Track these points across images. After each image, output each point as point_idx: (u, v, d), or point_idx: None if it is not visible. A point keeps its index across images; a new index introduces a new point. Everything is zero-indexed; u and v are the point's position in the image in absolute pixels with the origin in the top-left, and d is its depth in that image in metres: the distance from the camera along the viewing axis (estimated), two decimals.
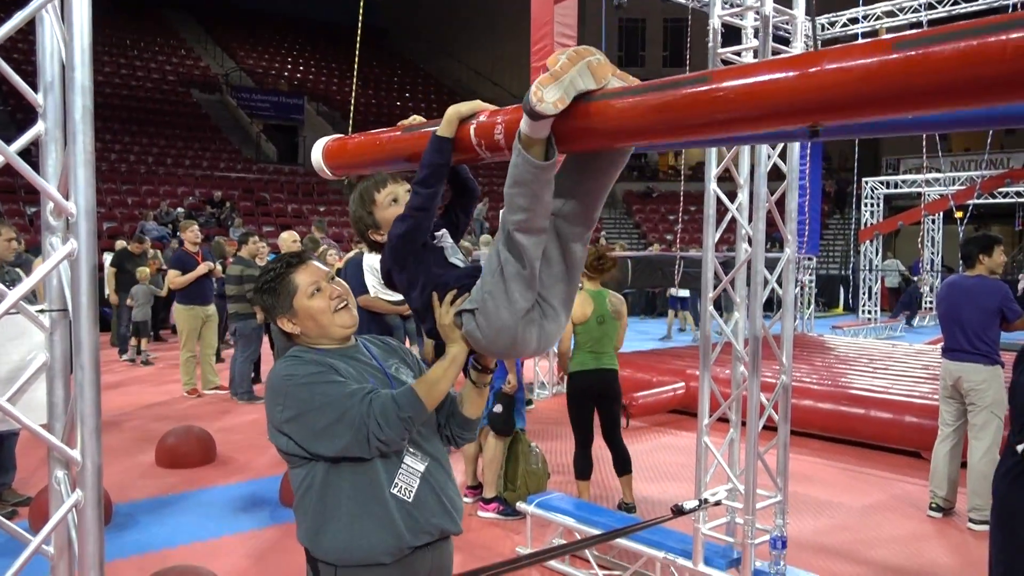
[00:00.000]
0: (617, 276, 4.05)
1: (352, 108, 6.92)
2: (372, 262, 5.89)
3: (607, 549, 4.10)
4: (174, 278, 8.39)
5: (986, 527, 3.42)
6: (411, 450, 1.92)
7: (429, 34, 34.59)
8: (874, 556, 4.41)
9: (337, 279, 1.99)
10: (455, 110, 1.91)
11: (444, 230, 2.03)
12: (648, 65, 30.26)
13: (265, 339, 8.48)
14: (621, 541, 3.84)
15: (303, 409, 1.82)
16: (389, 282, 2.03)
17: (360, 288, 5.79)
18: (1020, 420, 2.67)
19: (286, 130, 27.48)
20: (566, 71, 1.61)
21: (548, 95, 1.60)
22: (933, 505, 5.09)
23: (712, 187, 3.58)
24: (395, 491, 1.89)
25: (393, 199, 2.02)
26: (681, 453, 6.47)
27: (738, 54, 3.56)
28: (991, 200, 15.03)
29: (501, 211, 1.82)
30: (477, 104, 1.95)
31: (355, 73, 6.46)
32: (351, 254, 6.51)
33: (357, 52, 6.40)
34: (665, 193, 27.23)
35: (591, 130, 1.67)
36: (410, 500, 1.90)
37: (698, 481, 3.65)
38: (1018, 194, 15.04)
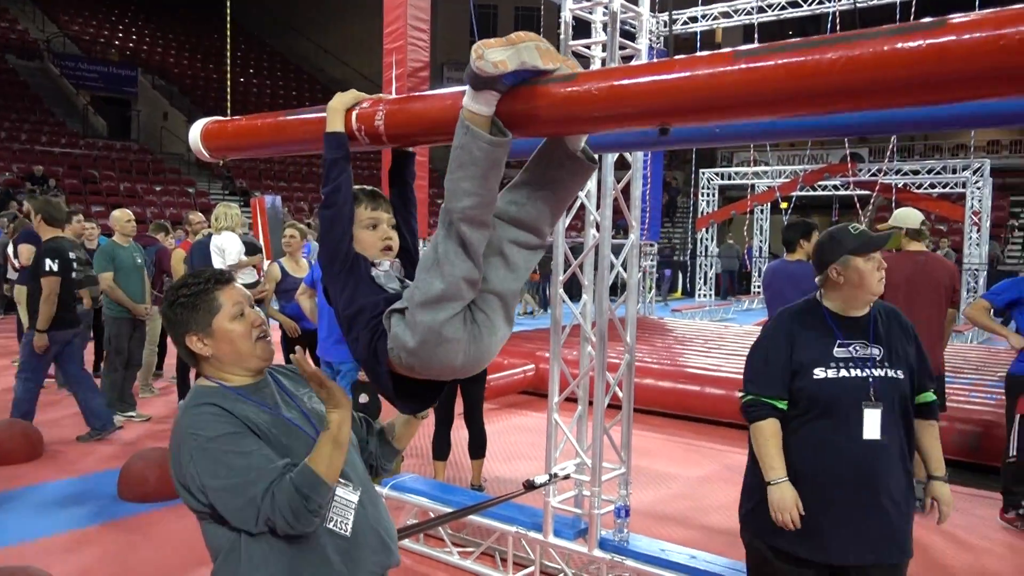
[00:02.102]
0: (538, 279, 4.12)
1: (229, 93, 6.61)
2: (220, 243, 5.68)
3: (461, 527, 4.19)
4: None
5: None
6: (342, 480, 1.75)
7: (275, 9, 33.30)
8: (708, 521, 4.75)
9: (256, 308, 1.85)
10: (338, 101, 1.88)
11: (394, 260, 1.91)
12: None
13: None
14: (474, 518, 3.94)
15: (207, 482, 1.63)
16: (326, 293, 1.91)
17: None
18: None
19: (118, 103, 25.71)
20: (512, 44, 1.60)
21: (489, 55, 1.56)
22: None
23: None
24: (331, 526, 1.72)
25: (373, 224, 1.88)
26: (531, 433, 6.67)
27: (588, 47, 3.71)
28: (812, 192, 16.33)
29: (441, 204, 1.69)
30: (358, 94, 1.92)
31: (228, 56, 6.16)
32: (198, 237, 6.24)
33: (229, 35, 6.11)
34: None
35: (532, 116, 1.66)
36: (348, 535, 1.74)
37: (548, 456, 3.80)
38: (835, 187, 16.41)
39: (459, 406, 4.99)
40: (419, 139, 1.93)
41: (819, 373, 2.42)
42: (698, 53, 1.62)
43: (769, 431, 2.49)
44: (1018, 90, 1.34)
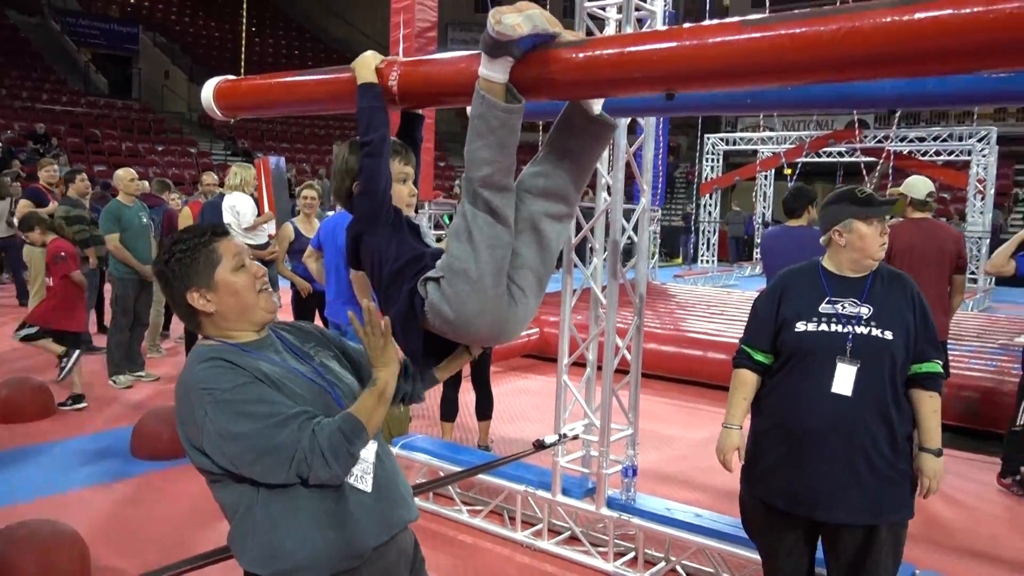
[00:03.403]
0: None
1: (244, 52, 6.56)
2: (231, 202, 5.68)
3: (469, 486, 4.27)
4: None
5: None
6: None
7: None
8: (711, 482, 4.83)
9: (254, 261, 1.78)
10: (365, 56, 1.92)
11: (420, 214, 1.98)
12: None
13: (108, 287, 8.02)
14: (483, 477, 4.02)
15: (227, 434, 1.55)
16: (355, 253, 1.90)
17: None
18: None
19: (119, 60, 25.52)
20: (522, 10, 1.64)
21: (506, 19, 1.61)
22: None
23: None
24: (352, 481, 1.68)
25: (404, 178, 1.93)
26: (535, 395, 6.74)
27: (603, 8, 3.69)
28: (816, 159, 16.23)
29: (463, 176, 1.81)
30: (379, 55, 1.96)
31: (244, 15, 6.11)
32: (210, 198, 6.24)
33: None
34: (521, 144, 27.48)
35: (547, 80, 1.71)
36: (369, 491, 1.71)
37: (558, 417, 3.86)
38: (839, 154, 16.33)
39: (466, 369, 5.04)
40: (431, 101, 1.98)
41: (800, 326, 2.47)
42: (705, 22, 1.65)
43: (740, 379, 2.59)
44: (1010, 63, 1.37)
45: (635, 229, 3.84)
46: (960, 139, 14.71)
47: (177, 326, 8.66)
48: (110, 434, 5.34)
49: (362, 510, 1.69)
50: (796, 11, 1.51)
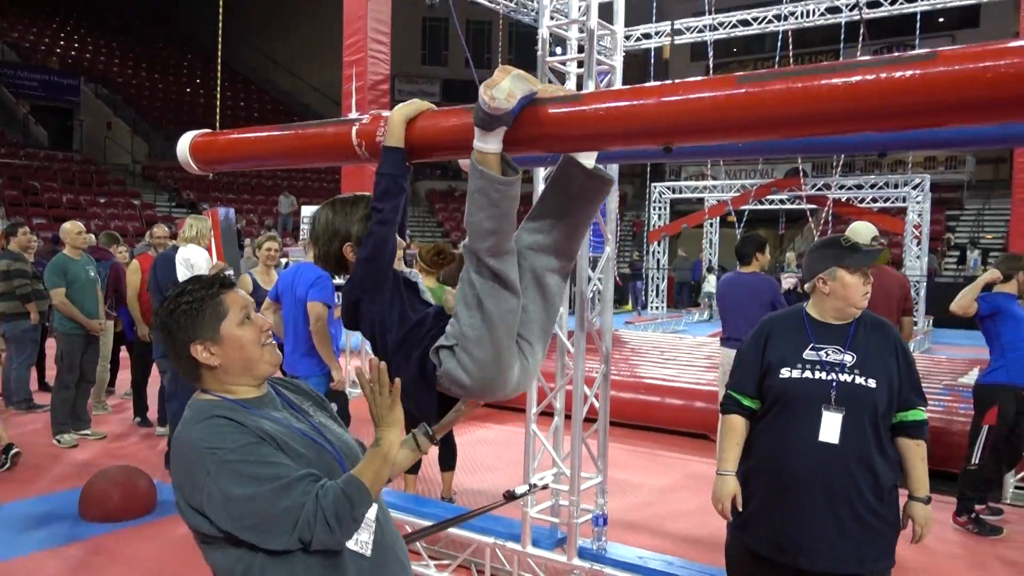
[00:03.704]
0: (455, 272, 4.16)
1: (218, 109, 6.52)
2: (186, 255, 5.59)
3: (435, 540, 4.19)
4: None
5: None
6: None
7: (223, 19, 32.88)
8: (673, 528, 4.83)
9: (258, 313, 1.75)
10: (401, 115, 1.87)
11: (415, 271, 1.96)
12: (451, 64, 30.67)
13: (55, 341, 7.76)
14: (451, 531, 3.95)
15: (231, 496, 1.50)
16: (354, 319, 1.88)
17: (172, 284, 5.48)
18: None
19: (59, 112, 25.05)
20: (503, 77, 1.68)
21: (498, 93, 1.65)
22: None
23: (541, 188, 3.78)
24: (352, 546, 1.63)
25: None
26: (494, 445, 6.69)
27: (563, 63, 3.78)
28: (760, 206, 16.72)
29: (463, 243, 1.76)
30: (420, 105, 1.92)
31: (218, 71, 6.09)
32: (162, 251, 6.12)
33: (220, 48, 6.05)
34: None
35: (544, 137, 1.76)
36: (369, 556, 1.66)
37: (527, 467, 3.84)
38: (781, 201, 16.84)
39: None
40: (420, 156, 1.97)
41: (785, 372, 2.49)
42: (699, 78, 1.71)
43: (730, 425, 2.61)
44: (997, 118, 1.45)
45: (600, 278, 3.89)
46: (896, 186, 15.32)
47: (123, 382, 8.41)
48: (56, 496, 5.12)
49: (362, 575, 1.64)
50: (789, 68, 1.58)
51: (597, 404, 3.88)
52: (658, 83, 1.66)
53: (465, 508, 4.60)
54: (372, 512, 1.68)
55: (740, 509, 2.54)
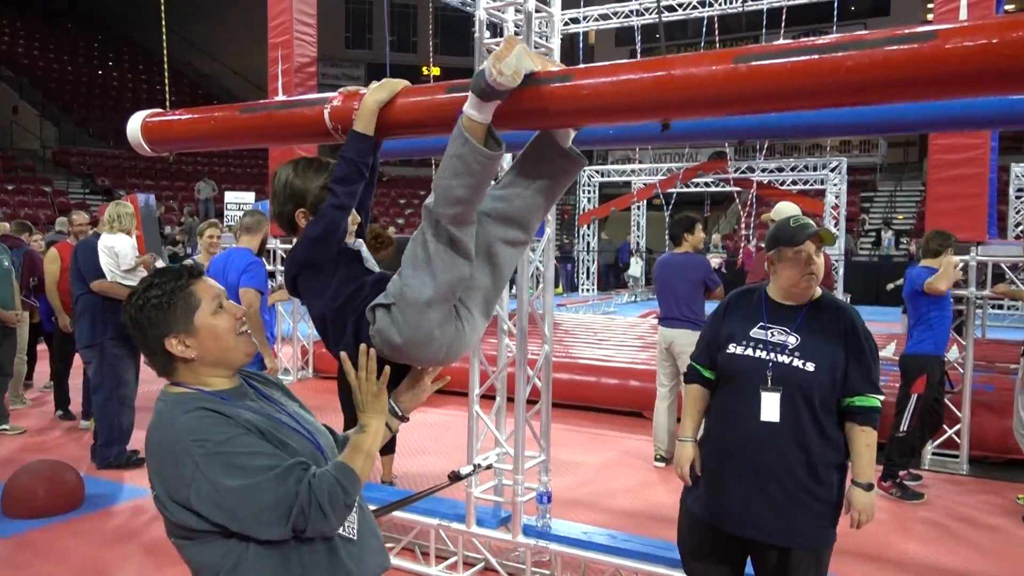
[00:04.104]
0: (392, 256, 4.13)
1: (167, 87, 6.23)
2: (109, 243, 5.39)
3: (379, 524, 4.17)
4: None
5: None
6: None
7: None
8: (613, 504, 4.93)
9: (230, 300, 1.69)
10: (374, 101, 1.84)
11: (359, 239, 1.91)
12: (375, 48, 30.22)
13: None
14: (395, 514, 3.93)
15: (224, 488, 1.46)
16: (293, 287, 1.86)
17: (95, 272, 5.30)
18: None
19: None
20: (510, 50, 1.67)
21: (506, 68, 1.64)
22: (657, 456, 5.77)
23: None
24: (342, 531, 1.63)
25: None
26: (433, 428, 6.69)
27: (499, 45, 3.77)
28: (684, 189, 17.05)
29: (426, 201, 1.72)
30: (394, 86, 1.89)
31: (165, 50, 5.83)
32: (86, 237, 5.88)
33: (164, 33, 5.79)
34: (395, 177, 27.45)
35: (537, 112, 1.76)
36: (355, 539, 1.66)
37: (470, 447, 3.85)
38: (706, 184, 17.21)
39: None
40: (393, 134, 1.97)
41: (731, 348, 2.55)
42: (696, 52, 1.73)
43: (690, 394, 2.73)
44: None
45: (540, 260, 3.91)
46: (815, 169, 15.82)
47: (40, 375, 8.08)
48: None
49: (352, 560, 1.65)
50: (788, 42, 1.61)
51: (539, 384, 3.92)
52: (653, 58, 1.66)
53: (407, 491, 4.59)
54: None
55: (699, 473, 2.61)
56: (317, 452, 1.64)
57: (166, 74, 6.23)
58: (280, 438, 1.58)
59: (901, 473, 5.18)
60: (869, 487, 2.49)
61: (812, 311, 2.51)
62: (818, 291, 2.54)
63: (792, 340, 2.48)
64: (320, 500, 1.49)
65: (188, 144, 2.37)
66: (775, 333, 2.51)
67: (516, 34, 3.78)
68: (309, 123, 2.03)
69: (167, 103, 3.63)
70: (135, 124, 2.33)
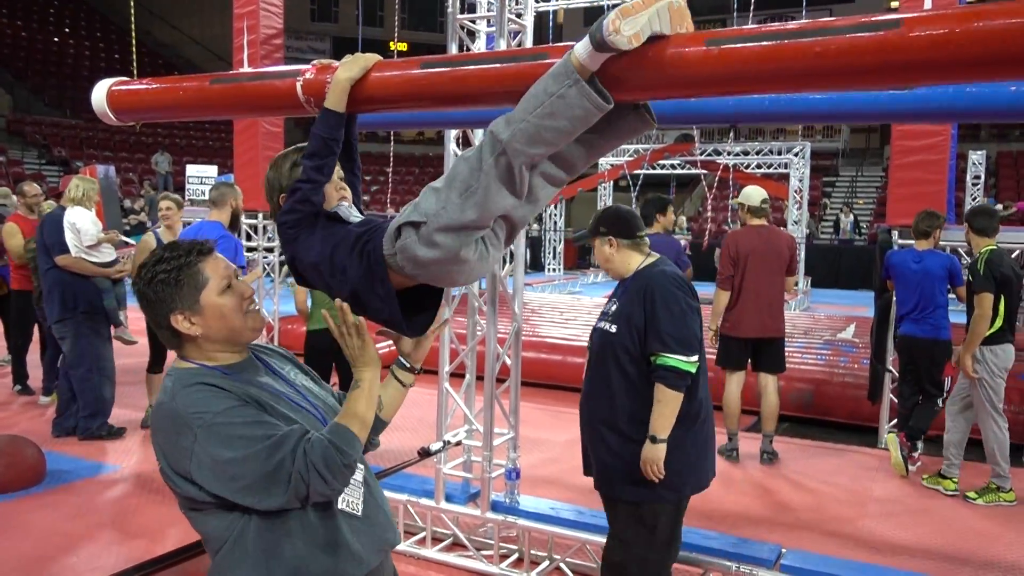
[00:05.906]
0: None
1: (135, 55, 6.06)
2: (74, 219, 5.28)
3: None
4: None
5: None
6: None
7: None
8: (581, 481, 4.92)
9: (242, 279, 1.70)
10: (346, 78, 1.82)
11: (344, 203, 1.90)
12: (341, 21, 29.78)
13: None
14: None
15: (222, 458, 1.48)
16: (296, 273, 1.89)
17: (60, 247, 5.19)
18: None
19: None
20: (648, 6, 1.53)
21: (626, 28, 1.50)
22: None
23: (451, 148, 3.78)
24: (343, 506, 1.64)
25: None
26: (402, 406, 6.67)
27: (473, 21, 3.76)
28: (651, 171, 17.14)
29: (497, 125, 1.61)
30: (366, 62, 1.87)
31: (133, 19, 5.66)
32: (53, 210, 5.75)
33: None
34: (374, 154, 27.16)
35: (656, 79, 1.62)
36: (359, 515, 1.67)
37: (440, 424, 3.87)
38: (672, 166, 17.32)
39: (335, 379, 4.95)
40: (366, 109, 1.96)
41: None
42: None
43: None
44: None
45: None
46: (779, 153, 16.00)
47: None
48: None
49: (355, 535, 1.66)
50: (760, 26, 1.58)
51: (509, 361, 3.94)
52: (799, 22, 1.58)
53: (376, 467, 4.61)
54: (359, 475, 1.70)
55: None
56: (320, 426, 1.64)
57: (134, 42, 6.08)
58: (282, 411, 1.60)
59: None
60: (654, 440, 2.62)
61: (629, 281, 2.80)
62: (641, 265, 2.79)
63: (612, 307, 2.81)
64: (316, 465, 1.50)
65: (155, 114, 2.34)
66: (610, 305, 2.85)
67: (489, 11, 3.77)
68: (281, 95, 2.02)
69: (134, 71, 3.56)
70: (100, 92, 2.28)
